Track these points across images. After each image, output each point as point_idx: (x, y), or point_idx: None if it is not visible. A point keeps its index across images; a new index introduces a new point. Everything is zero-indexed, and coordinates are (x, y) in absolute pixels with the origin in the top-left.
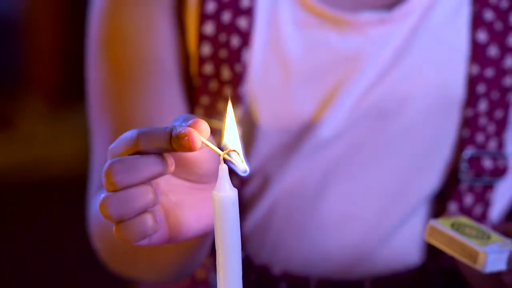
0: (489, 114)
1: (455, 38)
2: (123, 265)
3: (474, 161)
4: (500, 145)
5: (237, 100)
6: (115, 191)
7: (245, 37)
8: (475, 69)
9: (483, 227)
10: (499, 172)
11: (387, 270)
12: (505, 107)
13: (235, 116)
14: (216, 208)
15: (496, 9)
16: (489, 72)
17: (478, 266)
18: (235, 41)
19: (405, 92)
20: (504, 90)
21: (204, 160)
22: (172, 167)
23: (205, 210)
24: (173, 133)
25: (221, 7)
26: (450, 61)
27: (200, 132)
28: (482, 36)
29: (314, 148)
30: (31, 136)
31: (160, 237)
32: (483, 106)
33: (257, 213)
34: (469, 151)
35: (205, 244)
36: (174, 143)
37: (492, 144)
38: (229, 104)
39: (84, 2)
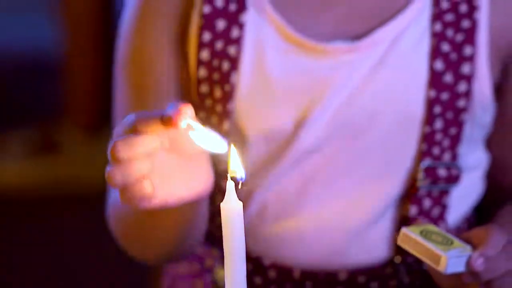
0: (444, 131)
1: (417, 66)
2: (135, 245)
3: (431, 171)
4: (454, 157)
5: (227, 115)
6: (119, 164)
7: (234, 62)
8: (432, 93)
9: (448, 235)
10: (452, 180)
11: (360, 264)
12: (459, 125)
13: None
14: (224, 218)
15: (452, 42)
16: (445, 96)
17: (440, 268)
18: (225, 65)
19: (373, 111)
20: (458, 111)
21: (193, 141)
22: (165, 144)
23: (193, 180)
24: (164, 114)
25: (215, 37)
26: (412, 86)
27: (185, 114)
28: (439, 65)
29: (295, 160)
30: (72, 158)
31: (158, 201)
32: (439, 124)
33: (248, 216)
34: (426, 162)
35: (198, 215)
36: (163, 123)
37: (447, 156)
38: (232, 147)
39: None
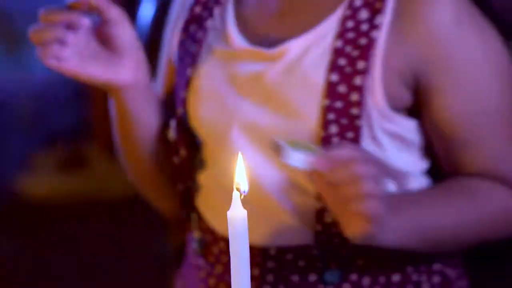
0: (340, 134)
1: (315, 78)
2: (137, 182)
3: None
4: None
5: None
6: (44, 24)
7: (195, 58)
8: (327, 102)
9: (314, 146)
10: None
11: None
12: (355, 130)
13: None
14: (230, 224)
15: (348, 56)
16: (338, 104)
17: (283, 159)
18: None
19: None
20: (352, 118)
21: (121, 34)
22: (84, 23)
23: (111, 67)
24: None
25: (187, 37)
26: (310, 94)
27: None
28: (334, 77)
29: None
30: (96, 172)
31: (68, 67)
32: (333, 129)
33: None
34: None
35: (134, 106)
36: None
37: None
38: (240, 156)
39: None
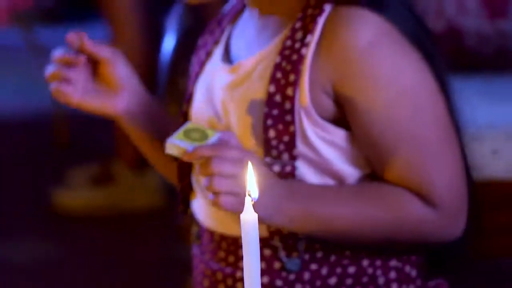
0: (278, 138)
1: (260, 88)
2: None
3: (268, 167)
4: (292, 157)
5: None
6: (55, 67)
7: (197, 76)
8: (266, 109)
9: (208, 130)
10: (286, 175)
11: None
12: (290, 135)
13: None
14: (243, 226)
15: (283, 70)
16: (275, 111)
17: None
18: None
19: (228, 118)
20: (286, 123)
21: (114, 71)
22: (80, 61)
23: (108, 100)
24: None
25: (194, 60)
26: (254, 102)
27: (80, 38)
28: (272, 88)
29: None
30: (123, 188)
31: (72, 101)
32: (272, 133)
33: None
34: (266, 160)
35: (137, 127)
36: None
37: (285, 156)
38: (250, 165)
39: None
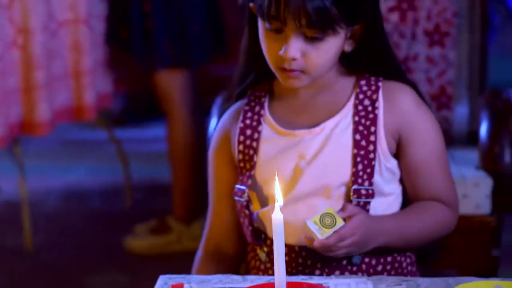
0: (363, 170)
1: (346, 138)
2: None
3: (357, 191)
4: (371, 184)
5: (250, 177)
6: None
7: (255, 151)
8: (355, 151)
9: (337, 216)
10: (369, 196)
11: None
12: (371, 168)
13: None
14: (274, 223)
15: (364, 125)
16: (362, 152)
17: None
18: (251, 151)
19: (325, 166)
20: (369, 160)
21: None
22: None
23: None
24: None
25: (245, 138)
26: (344, 148)
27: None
28: (358, 136)
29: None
30: (178, 237)
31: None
32: (359, 167)
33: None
34: (354, 187)
35: None
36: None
37: (366, 183)
38: (276, 179)
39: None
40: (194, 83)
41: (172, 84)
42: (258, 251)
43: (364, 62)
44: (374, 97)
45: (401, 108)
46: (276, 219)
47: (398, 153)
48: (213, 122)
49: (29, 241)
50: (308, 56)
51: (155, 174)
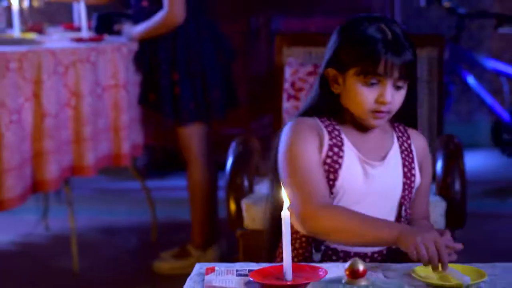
0: (408, 195)
1: (399, 170)
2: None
3: (406, 211)
4: (407, 214)
5: (333, 185)
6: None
7: (339, 164)
8: (405, 180)
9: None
10: (409, 215)
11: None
12: (411, 192)
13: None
14: (283, 219)
15: (406, 159)
16: (408, 181)
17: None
18: (336, 165)
19: (387, 189)
20: (411, 188)
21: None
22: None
23: None
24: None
25: (332, 154)
26: (397, 178)
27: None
28: (405, 169)
29: (348, 204)
30: (196, 260)
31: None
32: (406, 192)
33: None
34: (403, 208)
35: None
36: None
37: (403, 213)
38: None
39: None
40: (210, 137)
41: (194, 136)
42: (313, 251)
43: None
44: (409, 142)
45: (423, 149)
46: (285, 216)
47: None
48: (229, 161)
49: (76, 264)
50: (394, 100)
51: (175, 215)
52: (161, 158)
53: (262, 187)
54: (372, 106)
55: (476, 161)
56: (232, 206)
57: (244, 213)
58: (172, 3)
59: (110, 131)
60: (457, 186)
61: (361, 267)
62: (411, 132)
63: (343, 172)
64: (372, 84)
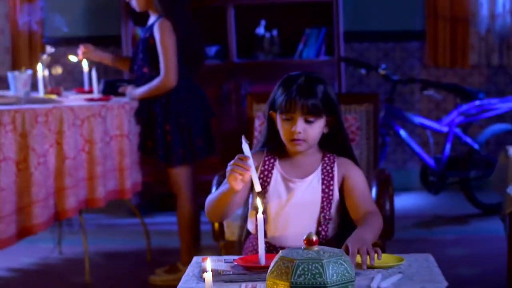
0: (326, 209)
1: (318, 188)
2: (212, 214)
3: (324, 224)
4: (330, 218)
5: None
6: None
7: (266, 184)
8: (322, 195)
9: None
10: (329, 219)
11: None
12: (331, 209)
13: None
14: (258, 221)
15: (327, 178)
16: (324, 198)
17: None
18: (264, 184)
19: (304, 203)
20: (331, 203)
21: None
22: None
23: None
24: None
25: (262, 177)
26: (316, 195)
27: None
28: (323, 186)
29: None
30: (183, 273)
31: (240, 187)
32: (325, 210)
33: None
34: (322, 221)
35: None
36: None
37: (327, 216)
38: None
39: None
40: (194, 176)
41: (182, 176)
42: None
43: (331, 144)
44: (332, 165)
45: (345, 168)
46: (260, 219)
47: (344, 189)
48: (213, 190)
49: (88, 278)
50: (307, 131)
51: (164, 243)
52: (149, 200)
53: (238, 209)
54: (290, 136)
55: (408, 201)
56: (216, 224)
57: (226, 229)
58: (167, 70)
59: (116, 171)
60: (388, 206)
61: (314, 237)
62: (339, 159)
63: (271, 188)
64: (287, 120)
